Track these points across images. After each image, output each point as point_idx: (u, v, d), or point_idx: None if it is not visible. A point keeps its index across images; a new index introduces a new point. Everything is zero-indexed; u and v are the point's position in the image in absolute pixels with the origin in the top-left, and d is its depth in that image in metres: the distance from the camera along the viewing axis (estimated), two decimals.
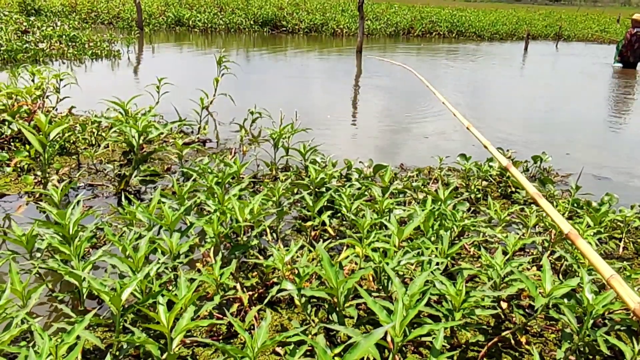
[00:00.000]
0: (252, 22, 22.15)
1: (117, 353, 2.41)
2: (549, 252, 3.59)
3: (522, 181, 2.99)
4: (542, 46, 23.80)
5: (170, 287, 2.83)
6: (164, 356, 2.28)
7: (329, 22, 23.04)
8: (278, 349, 2.64)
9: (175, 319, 2.29)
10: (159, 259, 2.86)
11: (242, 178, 4.39)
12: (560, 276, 3.44)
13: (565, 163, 6.07)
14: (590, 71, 15.92)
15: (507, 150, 5.57)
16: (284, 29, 22.41)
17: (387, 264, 2.70)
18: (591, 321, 2.45)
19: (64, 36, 13.32)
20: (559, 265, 3.55)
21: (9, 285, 2.37)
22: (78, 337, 2.17)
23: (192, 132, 6.55)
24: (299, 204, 4.27)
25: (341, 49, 18.38)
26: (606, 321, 2.79)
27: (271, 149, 5.28)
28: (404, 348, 2.70)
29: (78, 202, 3.17)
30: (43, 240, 3.08)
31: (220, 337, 2.72)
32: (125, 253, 2.80)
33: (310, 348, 2.57)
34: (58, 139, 5.14)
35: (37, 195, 4.34)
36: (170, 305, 2.58)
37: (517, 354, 2.72)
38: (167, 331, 2.16)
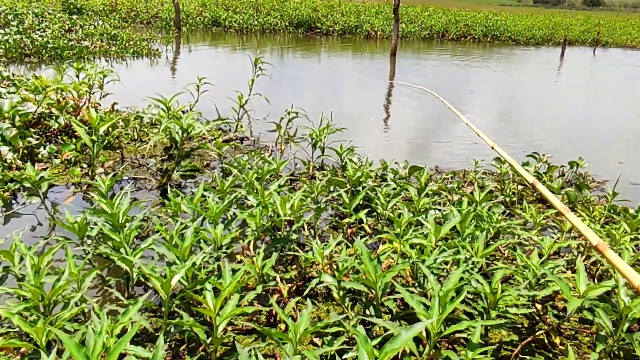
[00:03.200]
0: (287, 24, 22.38)
1: (164, 337, 2.54)
2: (584, 256, 3.60)
3: (549, 196, 3.01)
4: (579, 52, 23.41)
5: (213, 277, 2.95)
6: (209, 340, 2.39)
7: (363, 25, 23.11)
8: (316, 340, 2.73)
9: (220, 306, 2.40)
10: (203, 249, 2.99)
11: (280, 176, 4.50)
12: (596, 281, 3.45)
13: (602, 169, 6.01)
14: (628, 77, 15.63)
15: (543, 155, 5.56)
16: (319, 30, 22.57)
17: (424, 261, 2.77)
18: (626, 324, 2.48)
19: (105, 35, 13.71)
20: (594, 270, 3.56)
21: (67, 268, 2.51)
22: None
23: (230, 129, 6.70)
24: (335, 202, 4.36)
25: (375, 52, 18.42)
26: None
27: (308, 148, 5.38)
28: (438, 344, 2.76)
29: (125, 193, 3.33)
30: (93, 228, 3.24)
31: (260, 326, 2.82)
32: (172, 242, 2.93)
33: (346, 340, 2.66)
34: (105, 133, 5.35)
35: (85, 187, 4.53)
36: (215, 293, 2.69)
37: (550, 354, 2.75)
38: (213, 315, 2.27)
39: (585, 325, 3.03)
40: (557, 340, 2.77)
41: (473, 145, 6.99)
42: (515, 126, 8.35)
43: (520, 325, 2.94)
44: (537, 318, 3.00)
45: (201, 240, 3.10)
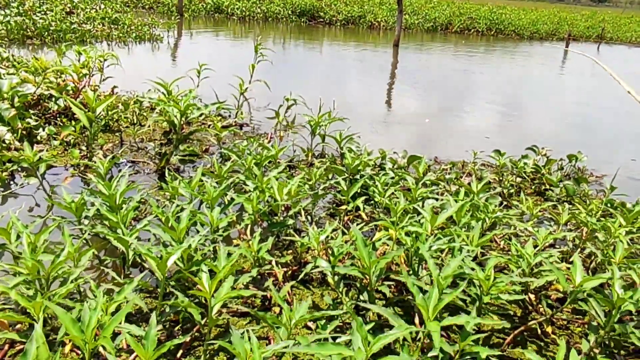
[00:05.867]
0: (289, 12, 22.27)
1: (159, 317, 2.55)
2: (579, 248, 3.62)
3: None
4: (583, 47, 23.30)
5: (209, 260, 2.96)
6: (204, 321, 2.40)
7: (366, 15, 23.01)
8: (310, 324, 2.75)
9: (216, 288, 2.41)
10: (199, 232, 2.99)
11: (279, 162, 4.50)
12: (590, 273, 3.47)
13: (600, 164, 6.01)
14: (633, 73, 15.60)
15: (542, 148, 5.56)
16: (322, 20, 22.47)
17: (419, 248, 2.78)
18: (618, 315, 2.49)
19: (106, 19, 13.64)
20: (589, 262, 3.57)
21: (66, 246, 2.52)
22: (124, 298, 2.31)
23: (230, 116, 6.70)
24: (332, 190, 4.37)
25: (378, 42, 18.35)
26: (633, 317, 2.83)
27: (307, 136, 5.38)
28: None
29: (122, 175, 3.34)
30: (90, 209, 3.25)
31: (255, 309, 2.84)
32: (168, 224, 2.94)
33: (340, 325, 2.68)
34: (103, 116, 5.34)
35: (82, 168, 4.53)
36: (211, 275, 2.70)
37: (542, 343, 2.77)
38: (208, 297, 2.28)
39: (578, 316, 3.05)
40: (549, 330, 2.79)
41: (473, 137, 6.99)
42: (522, 119, 8.35)
43: (513, 314, 2.96)
44: (530, 308, 3.02)
45: (197, 223, 3.11)
